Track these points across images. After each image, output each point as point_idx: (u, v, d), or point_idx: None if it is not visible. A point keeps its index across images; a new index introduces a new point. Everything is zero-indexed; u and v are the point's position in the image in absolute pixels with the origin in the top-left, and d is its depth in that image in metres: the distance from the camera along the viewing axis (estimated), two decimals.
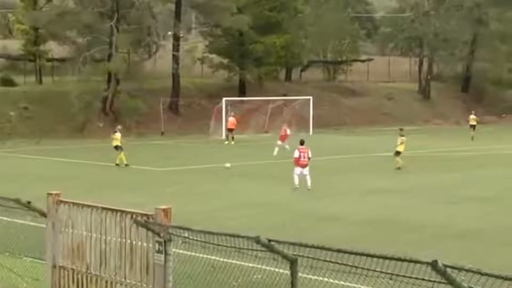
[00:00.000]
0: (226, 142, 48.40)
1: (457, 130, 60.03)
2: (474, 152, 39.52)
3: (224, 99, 55.27)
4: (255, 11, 60.38)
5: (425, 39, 74.02)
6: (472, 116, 53.80)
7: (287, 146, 37.05)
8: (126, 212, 9.47)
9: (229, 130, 49.44)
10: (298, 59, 68.17)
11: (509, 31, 71.96)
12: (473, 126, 52.41)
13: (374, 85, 74.36)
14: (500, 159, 36.34)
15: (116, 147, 35.36)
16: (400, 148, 32.22)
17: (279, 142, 38.85)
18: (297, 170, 25.64)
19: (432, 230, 18.18)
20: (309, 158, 25.76)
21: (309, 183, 25.36)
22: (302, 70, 74.91)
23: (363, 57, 78.32)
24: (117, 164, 34.18)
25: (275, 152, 37.41)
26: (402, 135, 32.86)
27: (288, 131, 40.25)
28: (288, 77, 73.64)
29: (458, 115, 71.75)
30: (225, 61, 63.83)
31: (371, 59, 77.92)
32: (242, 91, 63.56)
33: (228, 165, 31.55)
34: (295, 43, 64.40)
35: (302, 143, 26.41)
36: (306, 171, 25.60)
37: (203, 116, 56.72)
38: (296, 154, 25.86)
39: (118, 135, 35.90)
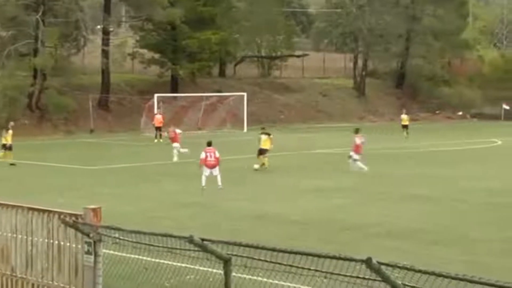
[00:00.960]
0: (156, 141, 48.04)
1: (392, 127, 61.00)
2: (410, 150, 40.23)
3: (155, 95, 54.94)
4: (188, 5, 60.10)
5: (360, 35, 74.96)
6: (403, 116, 51.70)
7: (184, 150, 34.92)
8: (54, 212, 9.34)
9: (157, 128, 49.13)
10: (232, 54, 68.27)
11: (442, 27, 73.45)
12: (405, 126, 50.41)
13: (309, 81, 74.98)
14: (435, 157, 37.10)
15: (4, 146, 35.00)
16: (265, 145, 31.95)
17: (175, 145, 36.03)
18: (206, 171, 25.62)
19: (368, 229, 18.43)
20: (216, 158, 25.82)
21: (219, 182, 25.37)
22: (236, 65, 74.97)
23: (298, 53, 78.87)
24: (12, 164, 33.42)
25: (175, 158, 35.03)
26: (266, 133, 32.55)
27: (178, 131, 37.33)
28: (222, 73, 73.64)
29: (392, 112, 72.96)
30: (157, 56, 63.37)
31: (306, 55, 78.51)
32: (174, 87, 63.24)
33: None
34: (229, 38, 64.41)
35: (209, 144, 26.52)
36: (215, 171, 25.64)
37: (134, 113, 56.31)
38: (203, 155, 25.95)
39: (10, 132, 35.51)
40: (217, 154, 26.05)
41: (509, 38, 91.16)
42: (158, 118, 49.72)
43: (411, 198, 23.23)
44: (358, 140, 31.00)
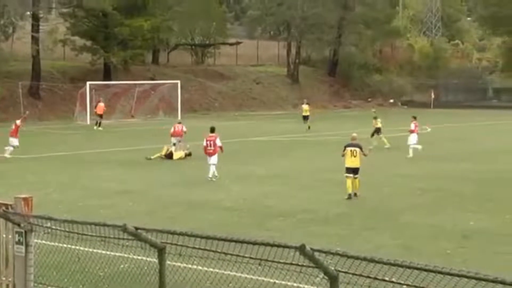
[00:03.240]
0: (95, 128, 47.77)
1: (325, 114, 61.55)
2: (343, 137, 40.65)
3: (88, 83, 54.21)
4: None
5: (293, 23, 75.30)
6: (304, 106, 47.86)
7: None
8: None
9: (99, 116, 49.18)
10: (166, 42, 67.77)
11: (373, 16, 74.37)
12: (306, 117, 46.62)
13: (242, 69, 75.06)
14: (365, 144, 37.51)
15: None
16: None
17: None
18: (208, 159, 25.08)
19: (300, 215, 18.59)
20: (217, 146, 25.08)
21: (210, 173, 24.89)
22: (169, 53, 74.47)
23: (232, 40, 78.82)
24: None
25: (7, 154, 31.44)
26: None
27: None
28: (155, 61, 73.05)
29: (325, 100, 73.74)
30: (89, 43, 62.45)
31: (240, 43, 78.51)
32: (107, 75, 62.48)
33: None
34: (162, 25, 63.88)
35: (212, 130, 25.74)
36: (212, 160, 25.00)
37: (66, 101, 55.48)
38: (204, 143, 25.34)
39: None
40: (218, 143, 25.19)
41: (438, 27, 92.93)
42: (101, 106, 49.72)
43: (340, 184, 23.47)
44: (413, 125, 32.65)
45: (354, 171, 21.51)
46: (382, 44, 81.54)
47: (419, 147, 31.93)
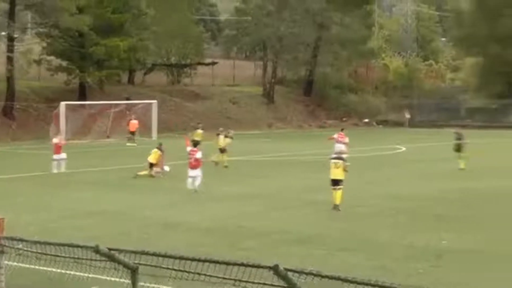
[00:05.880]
0: (128, 144, 50.48)
1: (300, 133, 61.74)
2: (317, 156, 40.75)
3: (62, 103, 53.88)
4: (96, 12, 59.26)
5: (269, 43, 75.60)
6: (199, 131, 42.07)
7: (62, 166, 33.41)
8: None
9: (132, 133, 52.67)
10: (142, 62, 67.72)
11: (348, 36, 74.89)
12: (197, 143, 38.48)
13: (219, 89, 75.14)
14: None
15: None
16: (151, 159, 31.68)
17: (54, 157, 33.68)
18: (189, 172, 26.32)
19: (275, 235, 18.56)
20: (196, 160, 26.28)
21: (196, 184, 26.04)
22: (145, 74, 74.41)
23: (208, 60, 78.94)
24: None
25: (54, 170, 33.12)
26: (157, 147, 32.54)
27: (61, 141, 35.05)
28: (131, 81, 72.96)
29: (301, 119, 73.99)
30: (65, 63, 62.22)
31: (216, 63, 78.66)
32: (82, 95, 62.22)
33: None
34: (139, 45, 63.86)
35: (195, 145, 27.68)
36: (194, 172, 26.14)
37: (40, 121, 55.09)
38: (188, 149, 26.95)
39: None
40: (199, 156, 26.44)
41: (413, 47, 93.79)
42: (134, 123, 53.17)
43: (314, 204, 23.53)
44: None
45: (336, 182, 22.54)
46: (357, 64, 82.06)
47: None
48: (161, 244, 16.36)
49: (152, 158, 31.70)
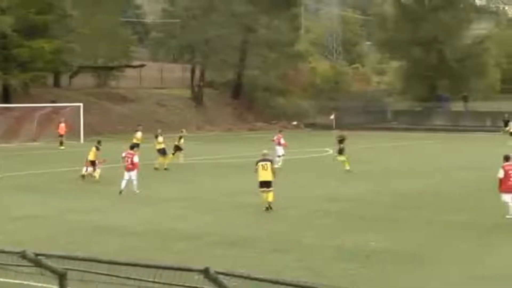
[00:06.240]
0: (61, 147, 49.94)
1: (229, 136, 61.81)
2: (247, 159, 40.85)
3: None
4: (19, 13, 58.01)
5: (197, 46, 75.40)
6: (138, 134, 41.76)
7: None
8: None
9: (61, 136, 51.66)
10: (68, 64, 66.62)
11: (276, 39, 75.33)
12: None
13: (146, 92, 74.57)
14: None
15: None
16: (91, 157, 31.64)
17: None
18: (125, 174, 26.73)
19: (206, 238, 18.53)
20: (133, 163, 26.79)
21: (135, 187, 26.47)
22: (71, 77, 73.25)
23: (135, 63, 78.24)
24: None
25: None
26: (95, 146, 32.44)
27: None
28: (57, 83, 71.70)
29: (230, 122, 74.02)
30: None
31: (143, 65, 78.03)
32: (6, 98, 60.88)
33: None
34: (64, 47, 62.80)
35: (131, 147, 28.09)
36: (129, 175, 26.63)
37: None
38: (124, 154, 27.44)
39: None
40: (135, 160, 26.96)
41: (338, 51, 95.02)
42: (62, 126, 51.87)
43: (244, 206, 23.59)
44: None
45: (267, 184, 22.64)
46: (285, 67, 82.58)
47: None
48: (90, 248, 16.14)
49: (91, 156, 31.49)
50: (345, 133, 38.20)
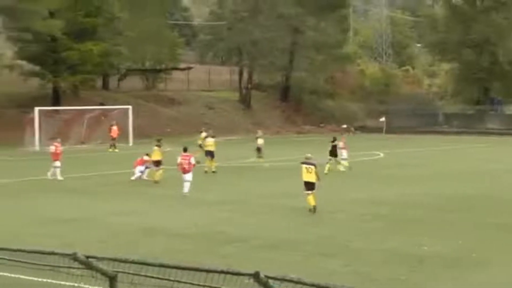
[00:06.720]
0: (111, 150, 50.17)
1: (278, 139, 61.77)
2: (295, 162, 40.80)
3: (36, 109, 53.49)
4: (68, 16, 58.96)
5: (244, 48, 75.59)
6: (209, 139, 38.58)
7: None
8: None
9: (113, 139, 51.94)
10: (116, 67, 67.43)
11: (324, 41, 75.09)
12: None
13: (194, 94, 75.04)
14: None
15: None
16: (155, 157, 32.17)
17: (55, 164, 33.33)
18: (184, 176, 27.02)
19: (253, 241, 18.57)
20: (190, 164, 27.06)
21: (186, 189, 26.70)
22: (120, 79, 74.11)
23: (183, 65, 78.79)
24: None
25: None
26: (156, 145, 32.95)
27: (58, 148, 33.93)
28: (105, 86, 72.63)
29: (278, 125, 74.04)
30: (37, 68, 61.79)
31: (191, 68, 78.57)
32: (56, 101, 61.85)
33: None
34: (112, 50, 63.60)
35: (185, 150, 27.94)
36: (186, 177, 26.84)
37: (12, 127, 54.52)
38: (179, 160, 27.39)
39: None
40: (193, 161, 27.35)
41: (388, 53, 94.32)
42: (115, 129, 52.28)
43: (289, 210, 23.57)
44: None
45: (310, 185, 23.03)
46: (333, 69, 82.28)
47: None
48: (139, 251, 16.32)
49: (156, 156, 32.02)
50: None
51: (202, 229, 20.38)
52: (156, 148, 32.50)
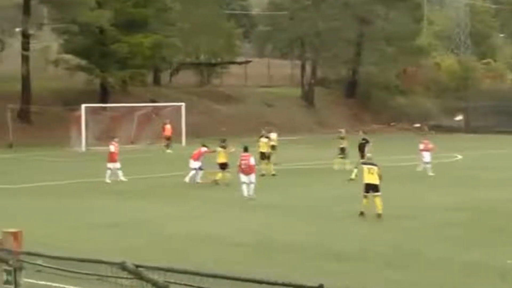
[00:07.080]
0: (168, 151, 50.71)
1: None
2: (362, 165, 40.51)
3: (83, 105, 54.30)
4: (117, 7, 59.70)
5: (307, 40, 75.37)
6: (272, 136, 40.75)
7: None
8: None
9: (167, 138, 52.45)
10: (168, 61, 67.95)
11: (395, 31, 74.34)
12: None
13: (252, 90, 75.14)
14: (391, 172, 37.41)
15: None
16: (221, 160, 32.40)
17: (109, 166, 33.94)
18: (242, 177, 27.33)
19: (312, 250, 18.47)
20: (250, 166, 27.44)
21: (251, 191, 27.09)
22: (172, 74, 74.69)
23: (240, 59, 79.00)
24: None
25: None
26: (221, 146, 33.03)
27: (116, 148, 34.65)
28: (156, 81, 73.32)
29: (344, 123, 73.53)
30: (84, 62, 62.67)
31: (249, 61, 78.72)
32: (104, 97, 62.66)
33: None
34: (164, 43, 64.00)
35: (245, 149, 28.38)
36: (249, 178, 27.22)
37: (58, 125, 55.55)
38: (238, 162, 27.88)
39: None
40: (252, 162, 27.76)
41: (467, 44, 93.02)
42: (168, 128, 53.06)
43: (351, 216, 23.41)
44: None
45: (373, 187, 22.90)
46: (405, 63, 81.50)
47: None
48: (189, 259, 16.42)
49: (221, 159, 32.27)
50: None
51: (257, 236, 20.39)
52: (221, 149, 32.65)
